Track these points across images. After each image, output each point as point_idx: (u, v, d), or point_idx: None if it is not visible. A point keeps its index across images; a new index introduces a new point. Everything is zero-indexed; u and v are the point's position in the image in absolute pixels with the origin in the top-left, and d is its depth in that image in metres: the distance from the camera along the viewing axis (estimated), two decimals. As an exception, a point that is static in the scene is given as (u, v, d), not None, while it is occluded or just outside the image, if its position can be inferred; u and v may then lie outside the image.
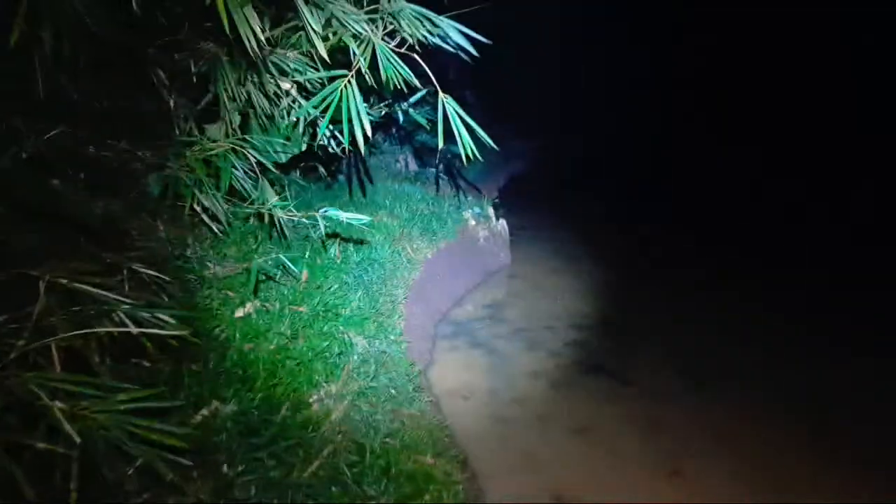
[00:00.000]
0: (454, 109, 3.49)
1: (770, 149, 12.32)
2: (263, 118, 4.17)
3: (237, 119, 4.22)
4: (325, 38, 3.27)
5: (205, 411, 3.19)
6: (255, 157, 4.14)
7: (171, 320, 2.88)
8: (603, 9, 14.00)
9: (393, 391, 4.19)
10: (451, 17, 3.75)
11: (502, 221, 7.54)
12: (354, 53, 3.33)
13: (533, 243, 7.89)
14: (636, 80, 15.24)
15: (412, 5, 3.72)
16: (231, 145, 4.08)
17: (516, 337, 5.42)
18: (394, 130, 7.89)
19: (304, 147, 4.17)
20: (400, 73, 3.44)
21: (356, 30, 3.27)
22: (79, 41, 3.20)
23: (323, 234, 4.31)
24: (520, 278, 6.83)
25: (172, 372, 3.24)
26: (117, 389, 2.19)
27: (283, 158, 4.23)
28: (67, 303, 2.71)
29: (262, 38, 2.71)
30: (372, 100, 5.14)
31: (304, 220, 4.14)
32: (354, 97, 3.39)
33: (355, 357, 4.40)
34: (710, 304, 6.17)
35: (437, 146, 3.48)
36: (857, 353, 5.30)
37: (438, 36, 3.69)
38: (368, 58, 3.39)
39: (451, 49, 3.60)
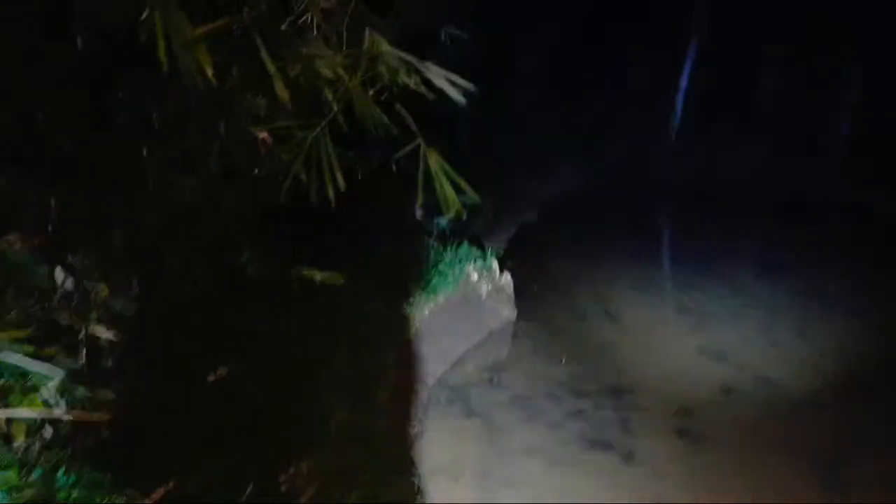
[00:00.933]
0: (438, 163, 3.15)
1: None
2: (241, 167, 3.89)
3: (213, 167, 3.94)
4: (293, 81, 2.97)
5: None
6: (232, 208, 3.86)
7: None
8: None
9: (373, 470, 3.78)
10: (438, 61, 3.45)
11: (507, 275, 7.13)
12: (327, 99, 3.04)
13: (540, 299, 7.43)
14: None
15: (396, 50, 3.42)
16: (205, 194, 3.80)
17: (515, 405, 4.98)
18: (395, 172, 7.56)
19: (283, 199, 3.86)
20: (378, 121, 3.13)
21: (327, 74, 2.98)
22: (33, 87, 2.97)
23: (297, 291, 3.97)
24: (523, 338, 6.36)
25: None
26: None
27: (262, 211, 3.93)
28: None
29: (211, 78, 2.41)
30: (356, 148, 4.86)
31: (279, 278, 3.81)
32: (327, 147, 3.08)
33: (334, 426, 4.02)
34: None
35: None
36: None
37: (422, 81, 3.38)
38: (341, 104, 3.08)
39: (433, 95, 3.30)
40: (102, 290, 4.13)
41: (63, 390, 2.67)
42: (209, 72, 2.38)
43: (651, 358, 5.89)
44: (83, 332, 3.55)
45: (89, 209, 3.74)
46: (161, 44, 2.18)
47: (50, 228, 3.78)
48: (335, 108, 3.07)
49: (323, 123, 3.08)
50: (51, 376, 2.61)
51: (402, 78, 3.26)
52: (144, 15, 2.16)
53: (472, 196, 3.25)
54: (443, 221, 7.88)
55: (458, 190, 3.29)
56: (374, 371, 4.71)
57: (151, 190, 3.73)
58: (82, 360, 3.38)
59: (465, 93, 3.47)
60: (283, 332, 4.38)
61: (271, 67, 2.56)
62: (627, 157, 13.70)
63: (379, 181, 6.06)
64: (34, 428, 2.70)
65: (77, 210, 3.72)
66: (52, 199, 3.63)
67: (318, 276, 3.91)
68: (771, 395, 5.25)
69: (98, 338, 3.70)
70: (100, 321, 3.86)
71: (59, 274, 3.82)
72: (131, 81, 3.16)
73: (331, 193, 3.12)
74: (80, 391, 2.69)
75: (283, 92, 2.68)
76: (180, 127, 3.30)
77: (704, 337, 6.28)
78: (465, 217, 3.67)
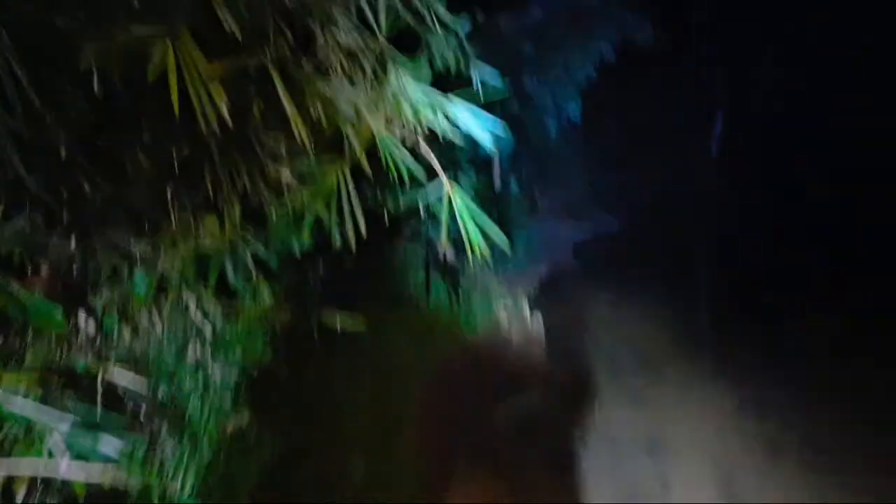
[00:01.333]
0: (464, 204, 3.02)
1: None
2: (264, 210, 3.80)
3: (236, 211, 3.87)
4: (314, 121, 2.89)
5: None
6: (252, 254, 3.76)
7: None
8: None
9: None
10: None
11: (538, 319, 6.93)
12: (348, 139, 2.95)
13: (572, 345, 7.15)
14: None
15: (423, 85, 3.32)
16: (227, 240, 3.71)
17: (546, 461, 4.69)
18: (423, 214, 7.46)
19: (306, 243, 3.76)
20: (401, 163, 3.02)
21: (349, 114, 2.89)
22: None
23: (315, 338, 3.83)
24: (554, 388, 6.08)
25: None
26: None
27: (282, 254, 3.83)
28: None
29: (227, 118, 2.33)
30: (379, 189, 4.77)
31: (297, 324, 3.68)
32: (348, 188, 2.97)
33: (354, 483, 3.82)
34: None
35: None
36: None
37: (449, 121, 3.27)
38: (365, 145, 2.98)
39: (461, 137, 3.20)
40: (126, 332, 4.06)
41: (71, 441, 2.53)
42: (224, 109, 2.30)
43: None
44: (100, 376, 3.44)
45: (111, 253, 3.69)
46: (172, 79, 2.11)
47: (73, 270, 3.74)
48: (357, 148, 2.98)
49: (344, 163, 2.98)
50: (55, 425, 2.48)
51: (427, 117, 3.16)
52: (154, 50, 2.09)
53: (500, 237, 3.11)
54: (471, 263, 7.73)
55: (485, 232, 3.16)
56: (397, 422, 4.51)
57: (172, 233, 3.67)
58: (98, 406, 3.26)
59: (495, 134, 3.38)
60: (304, 379, 4.23)
61: (290, 107, 2.48)
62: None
63: (405, 222, 5.99)
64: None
65: (98, 253, 3.67)
66: (72, 241, 3.59)
67: (339, 320, 3.77)
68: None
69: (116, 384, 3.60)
70: (120, 364, 3.78)
71: (80, 317, 3.77)
72: (148, 124, 3.12)
73: (352, 236, 3.00)
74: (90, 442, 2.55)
75: (302, 131, 2.60)
76: (200, 169, 3.24)
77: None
78: (492, 259, 3.50)
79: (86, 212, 3.47)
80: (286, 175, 3.65)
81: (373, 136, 3.06)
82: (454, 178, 3.26)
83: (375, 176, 3.26)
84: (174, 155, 3.21)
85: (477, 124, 3.24)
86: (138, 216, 3.65)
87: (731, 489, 4.36)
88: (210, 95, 2.26)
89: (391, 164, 3.05)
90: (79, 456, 2.36)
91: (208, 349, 4.10)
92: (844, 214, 10.79)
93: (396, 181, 3.03)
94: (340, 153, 3.09)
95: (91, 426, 2.68)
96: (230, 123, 2.38)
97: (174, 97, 2.12)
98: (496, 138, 3.35)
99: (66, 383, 3.05)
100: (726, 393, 5.91)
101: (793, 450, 4.88)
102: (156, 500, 3.19)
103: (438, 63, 5.63)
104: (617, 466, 4.67)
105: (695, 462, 4.71)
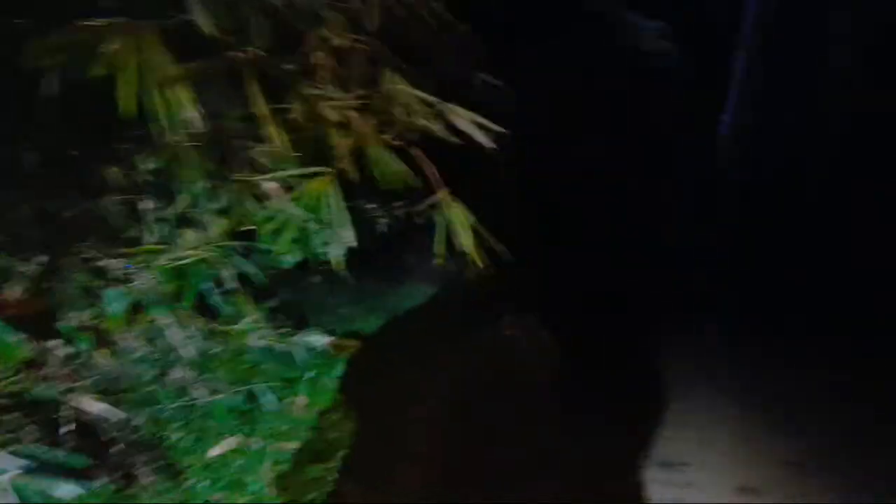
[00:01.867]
0: (460, 215, 2.76)
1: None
2: (247, 222, 3.54)
3: (218, 224, 3.60)
4: (296, 126, 2.63)
5: None
6: (234, 269, 3.50)
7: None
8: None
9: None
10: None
11: (548, 337, 6.62)
12: (333, 147, 2.69)
13: (585, 368, 6.79)
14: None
15: (416, 91, 3.06)
16: (205, 254, 3.45)
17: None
18: (418, 223, 7.17)
19: (293, 258, 3.49)
20: (393, 171, 2.75)
21: (332, 118, 2.63)
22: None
23: (304, 360, 3.56)
24: (569, 404, 5.75)
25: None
26: None
27: (267, 270, 3.57)
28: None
29: (199, 126, 2.07)
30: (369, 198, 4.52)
31: (277, 345, 3.41)
32: (335, 199, 2.70)
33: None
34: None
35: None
36: None
37: (447, 125, 3.01)
38: (354, 152, 2.72)
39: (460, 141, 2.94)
40: (102, 353, 3.80)
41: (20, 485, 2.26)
42: (188, 114, 2.04)
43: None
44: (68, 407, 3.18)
45: (82, 271, 3.44)
46: (126, 82, 1.84)
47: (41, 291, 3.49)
48: (343, 154, 2.71)
49: (330, 171, 2.72)
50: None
51: (422, 122, 2.91)
52: (104, 48, 1.83)
53: (501, 251, 2.87)
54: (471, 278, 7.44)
55: (486, 245, 2.91)
56: (397, 449, 4.23)
57: (148, 249, 3.41)
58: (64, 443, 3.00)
59: (498, 139, 3.12)
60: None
61: (263, 109, 2.23)
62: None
63: (400, 234, 5.71)
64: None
65: (70, 273, 3.42)
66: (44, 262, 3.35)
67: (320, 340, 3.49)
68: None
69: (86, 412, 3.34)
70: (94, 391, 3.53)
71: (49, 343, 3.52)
72: (118, 135, 2.87)
73: (341, 249, 2.75)
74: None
75: (278, 136, 2.34)
76: (173, 182, 2.99)
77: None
78: (493, 273, 3.23)
79: (54, 227, 3.24)
80: (270, 185, 3.40)
81: (363, 142, 2.80)
82: (451, 183, 3.01)
83: (365, 184, 3.01)
84: (146, 165, 2.96)
85: (476, 129, 2.99)
86: (111, 231, 3.41)
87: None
88: (173, 99, 1.99)
89: (382, 171, 2.79)
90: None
91: (190, 372, 3.85)
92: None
93: (388, 189, 2.78)
94: (328, 161, 2.83)
95: (50, 467, 2.42)
96: (201, 128, 2.12)
97: (124, 96, 1.84)
98: (502, 144, 3.11)
99: (27, 414, 2.80)
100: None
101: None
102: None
103: (435, 65, 5.41)
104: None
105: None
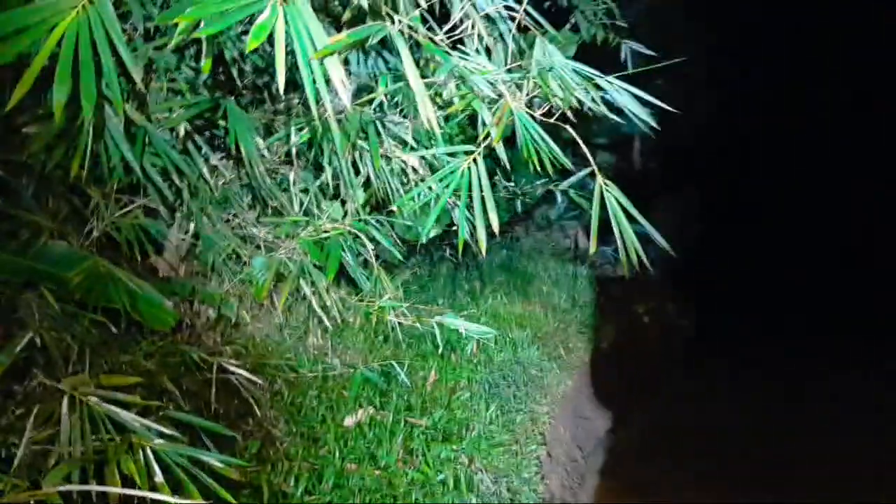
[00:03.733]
0: (615, 199, 2.52)
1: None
2: (389, 197, 3.49)
3: (360, 197, 3.59)
4: (446, 104, 2.49)
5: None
6: (373, 243, 3.48)
7: (220, 465, 2.20)
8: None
9: None
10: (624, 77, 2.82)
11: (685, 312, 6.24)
12: (484, 123, 2.52)
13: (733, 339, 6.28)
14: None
15: (571, 62, 2.81)
16: (348, 228, 3.44)
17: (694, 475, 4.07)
18: (559, 201, 6.88)
19: (432, 233, 3.41)
20: (545, 151, 2.55)
21: (487, 93, 2.45)
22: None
23: (440, 342, 3.47)
24: (699, 397, 5.39)
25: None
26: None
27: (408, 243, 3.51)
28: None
29: (347, 93, 1.97)
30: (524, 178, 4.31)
31: (416, 325, 3.35)
32: (480, 180, 2.55)
33: (474, 500, 3.47)
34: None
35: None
36: None
37: (603, 101, 2.76)
38: (503, 129, 2.54)
39: (618, 118, 2.69)
40: (247, 319, 3.94)
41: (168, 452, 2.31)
42: (340, 83, 1.92)
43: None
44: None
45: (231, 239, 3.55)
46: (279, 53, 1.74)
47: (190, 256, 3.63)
48: (494, 132, 2.54)
49: (478, 150, 2.56)
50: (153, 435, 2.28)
51: (578, 97, 2.67)
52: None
53: (661, 242, 2.60)
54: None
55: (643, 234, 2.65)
56: (526, 430, 4.11)
57: (294, 218, 3.45)
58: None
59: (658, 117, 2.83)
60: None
61: (417, 83, 2.08)
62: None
63: (540, 211, 5.52)
64: None
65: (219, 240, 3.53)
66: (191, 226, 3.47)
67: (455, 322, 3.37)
68: None
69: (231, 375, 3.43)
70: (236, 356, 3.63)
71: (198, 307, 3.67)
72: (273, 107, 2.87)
73: (481, 234, 2.59)
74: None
75: (429, 112, 2.20)
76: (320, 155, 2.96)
77: None
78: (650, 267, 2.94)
79: (205, 195, 3.33)
80: (414, 161, 3.32)
81: (512, 117, 2.60)
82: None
83: (512, 162, 2.84)
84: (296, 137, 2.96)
85: (634, 102, 2.71)
86: (260, 199, 3.48)
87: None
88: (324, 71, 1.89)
89: (531, 149, 2.59)
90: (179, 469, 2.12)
91: (328, 342, 3.92)
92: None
93: (537, 168, 2.58)
94: (473, 137, 2.68)
95: (196, 432, 2.48)
96: (348, 103, 2.02)
97: (280, 76, 1.74)
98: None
99: (175, 378, 2.90)
100: None
101: None
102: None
103: (585, 34, 5.07)
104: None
105: None
